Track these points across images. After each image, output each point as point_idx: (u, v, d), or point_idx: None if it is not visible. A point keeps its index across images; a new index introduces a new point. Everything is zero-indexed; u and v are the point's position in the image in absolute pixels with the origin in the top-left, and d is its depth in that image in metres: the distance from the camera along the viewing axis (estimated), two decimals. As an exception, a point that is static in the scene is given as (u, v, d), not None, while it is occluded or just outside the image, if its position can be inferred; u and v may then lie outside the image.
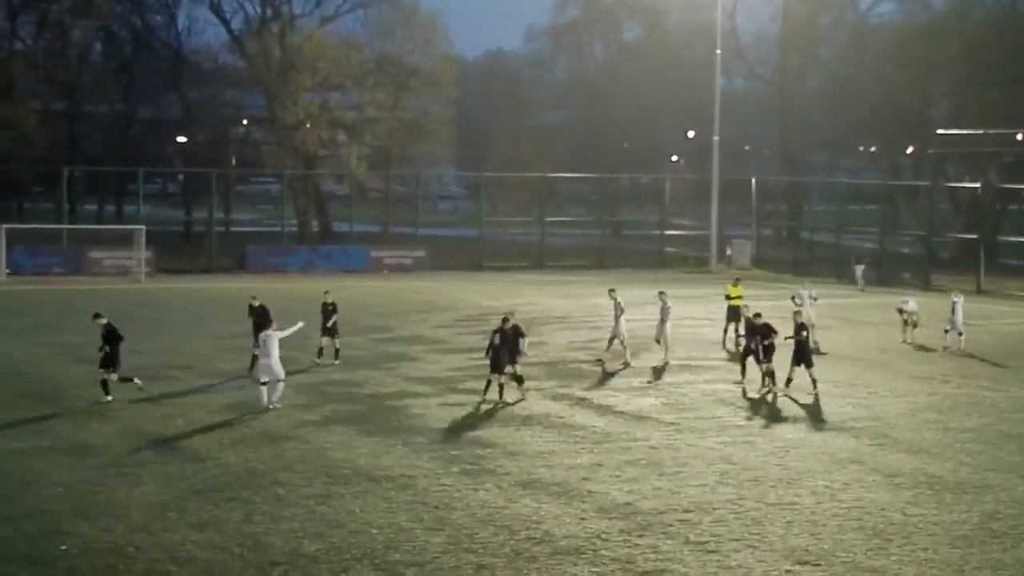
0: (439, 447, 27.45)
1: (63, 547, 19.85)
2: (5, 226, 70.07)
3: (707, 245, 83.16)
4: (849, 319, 53.52)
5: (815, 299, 46.49)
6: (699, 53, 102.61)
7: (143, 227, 71.31)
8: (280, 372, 31.68)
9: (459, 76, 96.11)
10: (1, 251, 67.81)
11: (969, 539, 21.21)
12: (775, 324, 35.68)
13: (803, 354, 34.54)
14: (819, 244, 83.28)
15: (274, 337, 31.65)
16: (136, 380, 32.29)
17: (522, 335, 33.99)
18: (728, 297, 45.34)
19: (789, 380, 34.52)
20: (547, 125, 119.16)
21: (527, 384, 33.89)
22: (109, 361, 31.96)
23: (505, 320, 34.03)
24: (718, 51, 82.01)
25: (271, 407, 31.17)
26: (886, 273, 72.13)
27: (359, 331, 45.54)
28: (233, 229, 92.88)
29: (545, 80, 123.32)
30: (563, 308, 56.99)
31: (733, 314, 44.60)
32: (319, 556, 19.67)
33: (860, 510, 22.79)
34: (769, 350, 34.67)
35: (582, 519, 21.95)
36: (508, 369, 33.02)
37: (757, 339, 34.92)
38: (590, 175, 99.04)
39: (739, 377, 35.87)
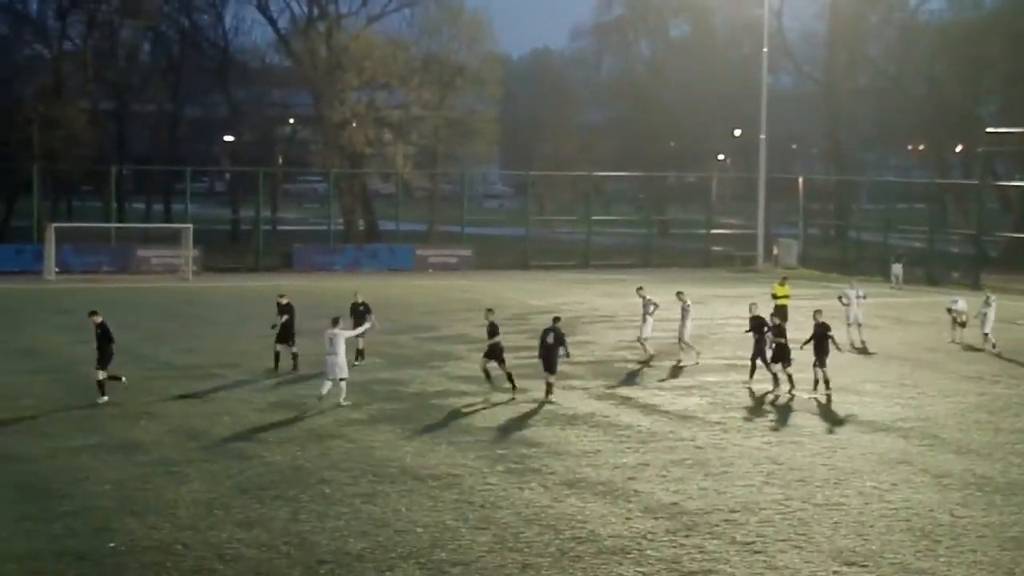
0: (484, 446, 27.45)
1: (111, 544, 19.97)
2: (55, 225, 70.57)
3: (754, 244, 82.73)
4: (898, 319, 53.16)
5: (863, 298, 46.15)
6: (745, 51, 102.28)
7: (190, 226, 71.69)
8: (344, 371, 32.07)
9: (505, 75, 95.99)
10: (51, 250, 68.29)
11: (1019, 541, 21.02)
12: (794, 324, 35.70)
13: (782, 353, 34.56)
14: (867, 243, 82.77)
15: (341, 336, 32.06)
16: (123, 379, 32.46)
17: (562, 340, 33.76)
18: (775, 296, 45.12)
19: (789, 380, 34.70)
20: (593, 123, 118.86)
21: (562, 384, 33.79)
22: (102, 359, 32.02)
23: (557, 320, 34.16)
24: (764, 49, 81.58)
25: (342, 403, 31.71)
26: (935, 272, 71.56)
27: (405, 330, 45.62)
28: (280, 228, 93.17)
29: (590, 78, 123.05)
30: (609, 307, 56.88)
31: (780, 313, 44.31)
32: (365, 554, 19.71)
33: (908, 511, 22.63)
34: (781, 352, 34.43)
35: (628, 519, 21.90)
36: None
37: (769, 338, 34.77)
38: (636, 174, 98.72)
39: (752, 379, 35.58)
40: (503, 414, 31.19)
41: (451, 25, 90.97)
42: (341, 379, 31.96)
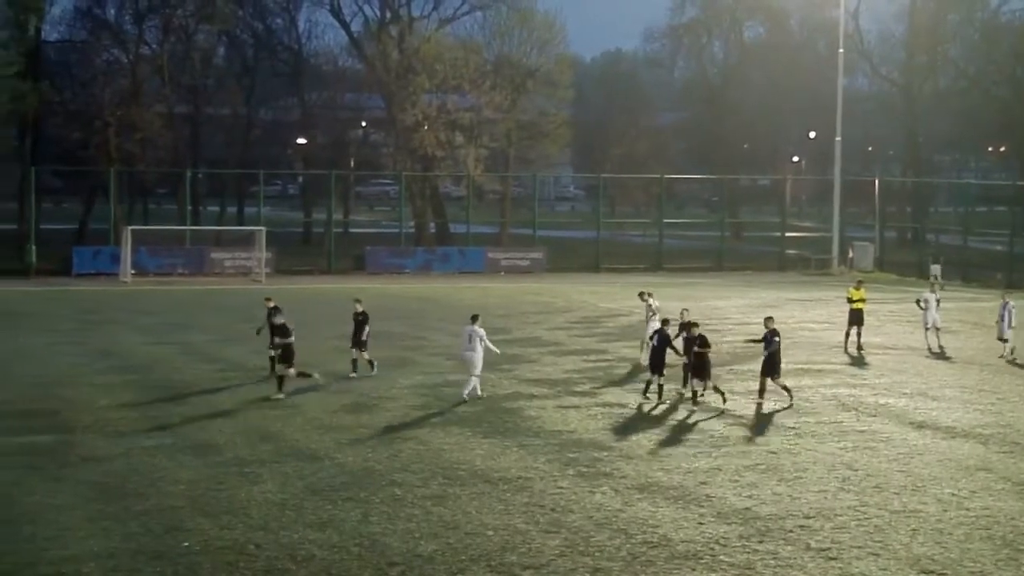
0: (555, 449, 27.34)
1: (185, 544, 20.07)
2: (131, 228, 71.32)
3: (829, 247, 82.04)
4: (977, 323, 52.41)
5: (939, 302, 45.56)
6: (821, 52, 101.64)
7: (263, 228, 72.17)
8: (479, 367, 32.97)
9: (577, 77, 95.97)
10: (127, 252, 68.99)
11: (1101, 550, 20.63)
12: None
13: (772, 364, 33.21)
14: (945, 246, 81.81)
15: (479, 333, 32.78)
16: (315, 375, 33.86)
17: (668, 340, 33.49)
18: (850, 300, 44.59)
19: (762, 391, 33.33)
20: (665, 126, 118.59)
21: (632, 388, 33.55)
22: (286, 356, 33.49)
23: (665, 323, 33.88)
24: (841, 50, 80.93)
25: (468, 398, 32.61)
26: (1016, 277, 70.59)
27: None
28: (351, 230, 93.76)
29: (663, 80, 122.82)
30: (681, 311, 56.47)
31: (855, 317, 43.92)
32: (435, 557, 19.67)
33: (988, 519, 22.26)
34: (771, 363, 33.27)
35: (700, 523, 21.72)
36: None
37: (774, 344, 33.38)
38: (709, 176, 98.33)
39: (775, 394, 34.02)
40: (574, 417, 31.06)
41: (523, 27, 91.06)
42: (476, 375, 32.98)
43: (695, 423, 30.64)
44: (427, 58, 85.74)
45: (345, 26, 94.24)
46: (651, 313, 39.15)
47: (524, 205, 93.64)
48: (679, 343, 33.67)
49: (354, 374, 36.01)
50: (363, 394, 33.56)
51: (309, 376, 33.89)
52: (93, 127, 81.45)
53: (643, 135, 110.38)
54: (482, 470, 25.26)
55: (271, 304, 36.10)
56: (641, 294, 40.93)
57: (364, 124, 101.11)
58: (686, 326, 34.27)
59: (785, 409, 32.40)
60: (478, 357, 32.84)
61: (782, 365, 33.65)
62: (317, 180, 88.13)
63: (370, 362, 36.41)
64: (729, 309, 57.31)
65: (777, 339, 33.24)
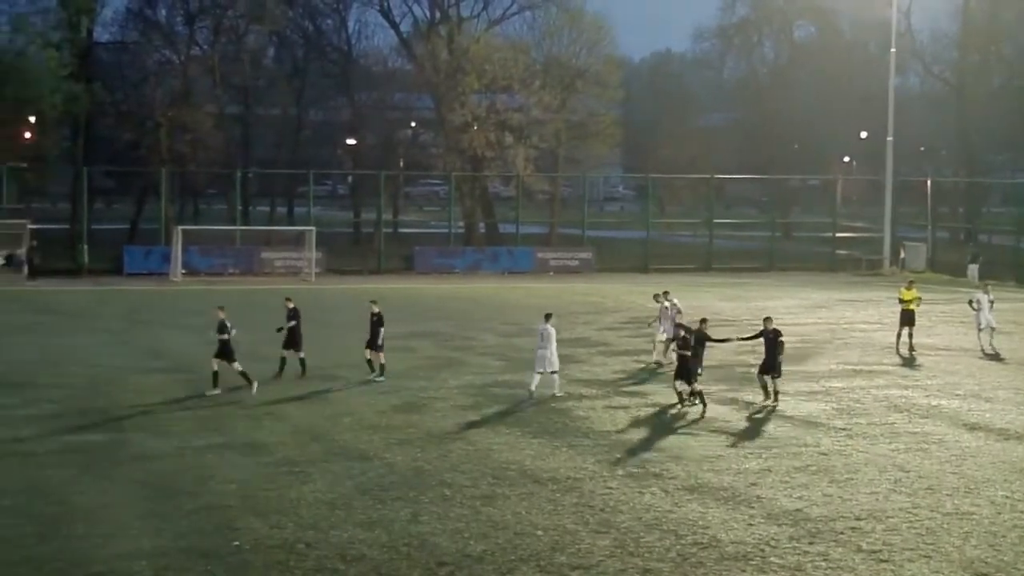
0: (604, 450, 27.28)
1: (236, 543, 20.15)
2: (181, 228, 71.77)
3: (880, 248, 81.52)
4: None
5: (992, 303, 45.13)
6: (872, 52, 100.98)
7: (313, 228, 72.42)
8: (556, 364, 33.46)
9: (626, 77, 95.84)
10: (177, 252, 69.44)
11: None
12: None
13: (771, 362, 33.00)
14: (998, 247, 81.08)
15: (552, 331, 33.21)
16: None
17: (704, 341, 33.33)
18: (902, 301, 44.27)
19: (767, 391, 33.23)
20: (714, 126, 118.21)
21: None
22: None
23: (768, 320, 33.73)
24: (892, 50, 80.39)
25: (556, 394, 33.32)
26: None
27: (524, 332, 45.52)
28: (401, 230, 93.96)
29: (713, 81, 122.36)
30: (730, 311, 56.32)
31: (907, 318, 43.60)
32: (485, 557, 19.66)
33: (1042, 522, 22.06)
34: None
35: (750, 525, 21.62)
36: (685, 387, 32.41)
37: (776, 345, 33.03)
38: (759, 176, 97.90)
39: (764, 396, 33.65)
40: (623, 418, 30.99)
41: (572, 28, 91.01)
42: (552, 372, 33.43)
43: (745, 425, 30.49)
44: (476, 58, 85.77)
45: (395, 26, 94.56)
46: (675, 312, 39.03)
47: (573, 205, 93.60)
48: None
49: (373, 375, 35.82)
50: (412, 394, 33.61)
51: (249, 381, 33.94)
52: (144, 128, 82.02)
53: (692, 135, 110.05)
54: (531, 470, 25.23)
55: (291, 305, 36.33)
56: (656, 296, 40.81)
57: (413, 124, 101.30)
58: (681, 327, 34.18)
59: (767, 411, 32.17)
60: (551, 354, 33.25)
61: (783, 366, 33.49)
62: (367, 180, 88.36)
63: (382, 366, 36.00)
64: (779, 310, 56.94)
65: (780, 339, 33.04)
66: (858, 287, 69.52)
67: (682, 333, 33.23)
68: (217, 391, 33.17)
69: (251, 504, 22.44)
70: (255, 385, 33.52)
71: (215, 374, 33.52)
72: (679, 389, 32.40)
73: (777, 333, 33.25)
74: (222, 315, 34.35)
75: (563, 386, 34.00)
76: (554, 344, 33.34)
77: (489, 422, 30.29)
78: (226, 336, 33.93)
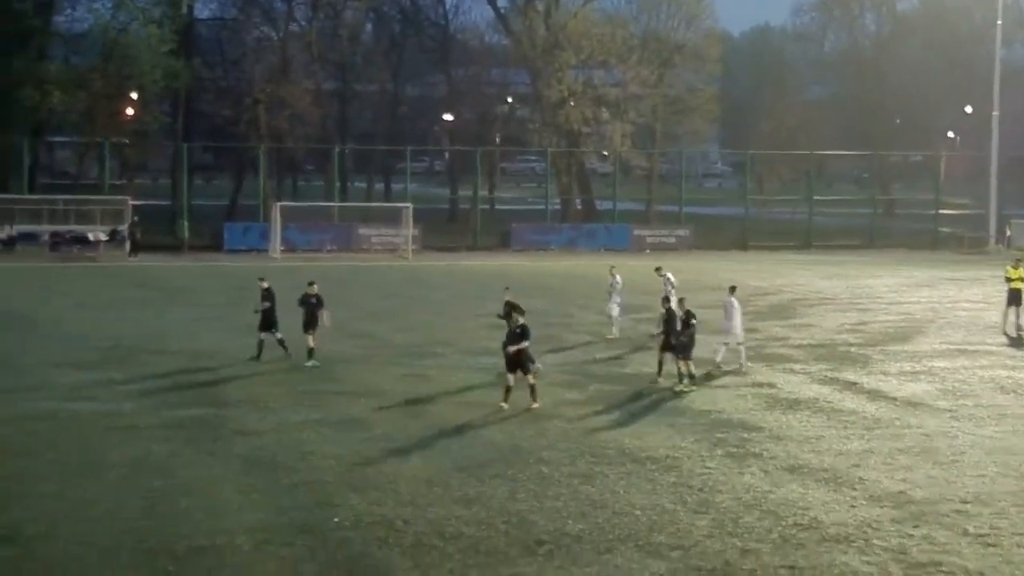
0: (703, 429, 27.05)
1: (335, 519, 20.19)
2: (280, 204, 72.32)
3: (984, 225, 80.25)
4: None
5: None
6: (978, 23, 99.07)
7: (410, 205, 72.62)
8: (741, 335, 34.19)
9: (725, 52, 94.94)
10: (276, 228, 69.98)
11: None
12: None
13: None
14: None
15: (735, 304, 33.96)
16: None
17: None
18: (1008, 279, 43.41)
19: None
20: (814, 100, 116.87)
21: (783, 367, 33.03)
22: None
23: (682, 301, 32.95)
24: (999, 21, 78.93)
25: (743, 365, 33.94)
26: None
27: (622, 310, 45.33)
28: (497, 207, 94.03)
29: (813, 54, 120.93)
30: (831, 289, 55.75)
31: (1013, 297, 42.78)
32: (583, 536, 19.55)
33: None
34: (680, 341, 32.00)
35: (852, 506, 21.31)
36: None
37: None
38: (860, 152, 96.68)
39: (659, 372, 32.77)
40: (723, 398, 30.73)
41: (670, 2, 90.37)
42: (739, 344, 34.08)
43: (847, 405, 30.08)
44: (574, 33, 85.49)
45: (492, 2, 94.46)
46: (670, 288, 38.77)
47: (671, 182, 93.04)
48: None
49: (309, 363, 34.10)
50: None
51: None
52: (243, 104, 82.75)
53: (792, 110, 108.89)
54: (630, 449, 25.07)
55: (265, 285, 35.29)
56: (658, 269, 40.97)
57: (510, 100, 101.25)
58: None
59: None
60: (736, 326, 33.77)
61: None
62: (463, 156, 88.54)
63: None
64: (880, 288, 56.36)
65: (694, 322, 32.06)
66: (962, 265, 68.49)
67: (662, 311, 32.63)
68: (315, 363, 33.34)
69: (349, 480, 22.51)
70: (312, 359, 33.72)
71: (310, 350, 33.81)
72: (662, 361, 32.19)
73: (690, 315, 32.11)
74: (265, 285, 34.83)
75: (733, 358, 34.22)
76: (739, 316, 33.92)
77: (587, 401, 30.17)
78: (268, 305, 34.33)
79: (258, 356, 34.58)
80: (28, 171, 75.89)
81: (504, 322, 32.32)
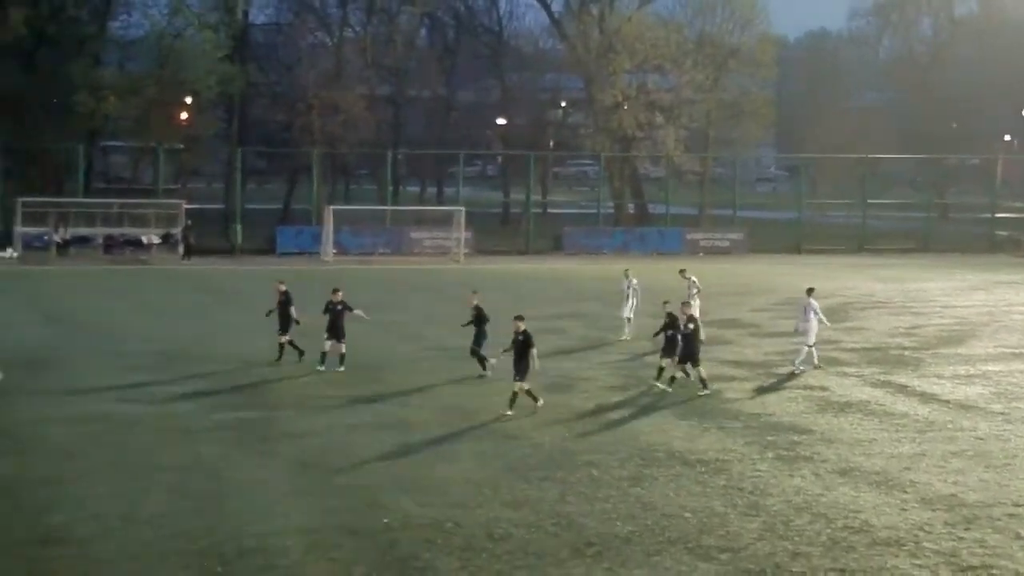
0: (754, 432, 26.96)
1: (385, 520, 20.25)
2: (332, 207, 72.53)
3: (1041, 228, 79.48)
4: None
5: None
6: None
7: (463, 208, 72.63)
8: (812, 338, 34.54)
9: (779, 56, 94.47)
10: (329, 232, 70.21)
11: None
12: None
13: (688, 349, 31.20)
14: None
15: (812, 306, 34.36)
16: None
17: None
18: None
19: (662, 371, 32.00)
20: (869, 105, 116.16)
21: (835, 371, 32.86)
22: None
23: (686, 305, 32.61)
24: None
25: (800, 368, 34.29)
26: None
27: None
28: (550, 211, 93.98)
29: (868, 59, 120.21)
30: (884, 293, 55.39)
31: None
32: (632, 538, 19.53)
33: None
34: (672, 343, 31.59)
35: (903, 510, 21.19)
36: None
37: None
38: (915, 156, 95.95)
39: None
40: (773, 400, 30.61)
41: (725, 6, 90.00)
42: (810, 345, 34.47)
43: (899, 408, 29.87)
44: (628, 38, 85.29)
45: (546, 7, 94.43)
46: (695, 291, 38.95)
47: (724, 185, 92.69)
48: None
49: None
50: (560, 374, 33.52)
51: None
52: (297, 109, 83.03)
53: (847, 114, 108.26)
54: (680, 452, 25.02)
55: (283, 288, 35.67)
56: (682, 271, 40.96)
57: (563, 104, 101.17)
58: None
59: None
60: (812, 328, 34.22)
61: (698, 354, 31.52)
62: (516, 161, 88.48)
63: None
64: (934, 291, 55.98)
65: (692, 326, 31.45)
66: (1018, 269, 67.88)
67: (689, 311, 31.87)
68: (341, 368, 33.48)
69: (399, 482, 22.57)
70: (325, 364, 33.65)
71: (323, 354, 33.87)
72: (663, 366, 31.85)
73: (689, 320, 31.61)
74: (283, 287, 35.30)
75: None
76: (815, 318, 34.37)
77: (637, 403, 30.13)
78: (283, 308, 34.85)
79: (279, 358, 34.90)
80: (83, 175, 76.55)
81: (471, 327, 33.37)
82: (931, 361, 36.62)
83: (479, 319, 33.41)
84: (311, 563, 18.37)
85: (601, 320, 43.94)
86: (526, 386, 28.56)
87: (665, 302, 33.03)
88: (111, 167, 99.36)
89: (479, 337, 33.28)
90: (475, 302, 33.89)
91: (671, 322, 31.85)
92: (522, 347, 28.50)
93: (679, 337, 31.23)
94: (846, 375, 34.06)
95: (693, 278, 40.26)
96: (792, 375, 33.76)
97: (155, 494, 21.69)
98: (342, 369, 33.47)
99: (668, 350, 31.77)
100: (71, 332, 40.92)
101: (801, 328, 34.82)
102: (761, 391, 31.79)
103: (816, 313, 34.50)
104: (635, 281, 40.50)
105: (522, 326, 28.73)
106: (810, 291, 35.01)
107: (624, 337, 39.52)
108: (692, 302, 37.29)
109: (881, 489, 22.44)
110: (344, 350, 33.90)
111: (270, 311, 35.61)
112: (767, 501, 21.60)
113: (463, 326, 34.01)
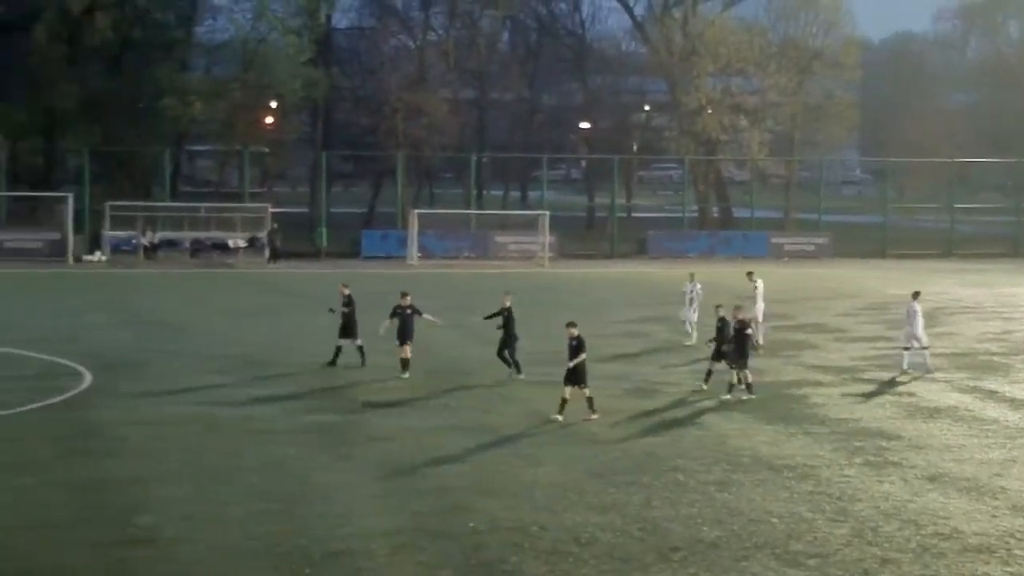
0: (841, 437, 26.70)
1: (471, 524, 20.25)
2: (417, 211, 72.85)
3: None
4: None
5: None
6: None
7: (547, 212, 72.71)
8: (925, 340, 34.73)
9: (863, 58, 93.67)
10: (413, 236, 70.53)
11: None
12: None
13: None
14: None
15: (918, 308, 34.42)
16: None
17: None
18: None
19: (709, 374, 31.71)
20: (956, 108, 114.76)
21: (923, 376, 32.47)
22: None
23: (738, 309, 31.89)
24: None
25: (929, 371, 34.17)
26: None
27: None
28: (634, 214, 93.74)
29: (954, 61, 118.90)
30: (973, 298, 54.70)
31: None
32: (719, 543, 19.40)
33: None
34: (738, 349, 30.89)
35: (994, 516, 20.91)
36: None
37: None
38: (1003, 160, 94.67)
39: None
40: (860, 406, 30.30)
41: (808, 9, 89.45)
42: (923, 348, 34.58)
43: (989, 414, 29.47)
44: (711, 41, 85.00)
45: (628, 10, 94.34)
46: (758, 294, 38.63)
47: (809, 189, 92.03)
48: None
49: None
50: (644, 379, 33.44)
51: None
52: (381, 113, 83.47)
53: (933, 117, 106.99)
54: (766, 457, 24.83)
55: (347, 291, 35.40)
56: (749, 274, 40.12)
57: (647, 108, 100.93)
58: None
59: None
60: (917, 332, 34.37)
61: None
62: (600, 164, 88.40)
63: (338, 349, 34.88)
64: (1023, 296, 55.19)
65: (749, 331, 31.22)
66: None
67: (741, 315, 31.35)
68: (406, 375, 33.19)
69: (484, 486, 22.58)
70: (406, 373, 33.31)
71: (337, 351, 34.42)
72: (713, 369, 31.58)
73: (724, 322, 31.37)
74: (347, 291, 35.06)
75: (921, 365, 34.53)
76: (920, 321, 34.37)
77: (722, 407, 29.94)
78: (347, 311, 34.59)
79: (334, 362, 34.66)
80: (170, 179, 77.55)
81: (498, 325, 33.27)
82: (1021, 367, 36.13)
83: (509, 321, 33.13)
84: (397, 566, 18.40)
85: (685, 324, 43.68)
86: (587, 392, 28.32)
87: (717, 306, 32.65)
88: (197, 171, 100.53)
89: (510, 340, 33.09)
90: (507, 303, 33.58)
91: (723, 327, 31.52)
92: (575, 353, 28.23)
93: (726, 338, 30.88)
94: (935, 380, 33.66)
95: (758, 282, 39.60)
96: (926, 377, 33.62)
97: (239, 496, 21.84)
98: (406, 376, 33.23)
99: (727, 358, 31.19)
100: (157, 335, 41.36)
101: (907, 332, 34.73)
102: (848, 396, 31.47)
103: (918, 317, 34.47)
104: (699, 287, 40.07)
105: (575, 332, 28.45)
106: (916, 295, 34.99)
107: (692, 342, 39.05)
108: (752, 304, 37.15)
109: (971, 495, 22.15)
110: (409, 354, 33.57)
111: (331, 309, 35.53)
112: (855, 507, 21.38)
113: (486, 319, 33.80)
